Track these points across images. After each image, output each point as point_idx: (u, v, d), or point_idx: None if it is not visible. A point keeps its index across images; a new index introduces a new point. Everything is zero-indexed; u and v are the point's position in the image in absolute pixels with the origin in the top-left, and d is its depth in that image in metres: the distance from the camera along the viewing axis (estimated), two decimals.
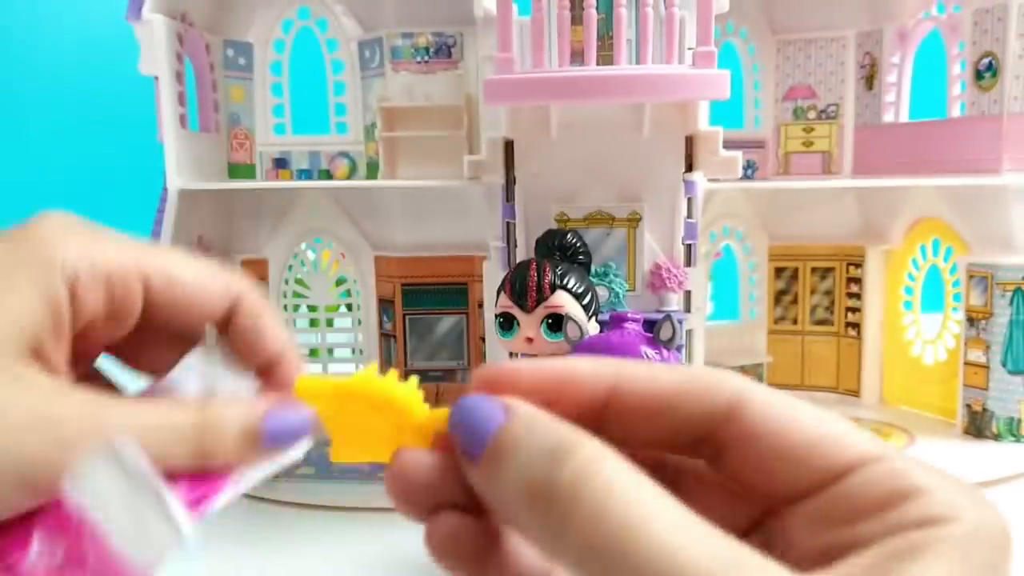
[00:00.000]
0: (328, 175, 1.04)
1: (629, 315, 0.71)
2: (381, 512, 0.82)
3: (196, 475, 0.30)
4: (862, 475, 0.24)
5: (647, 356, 0.66)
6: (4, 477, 0.27)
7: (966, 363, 1.00)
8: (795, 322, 1.21)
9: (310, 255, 1.07)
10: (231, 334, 0.35)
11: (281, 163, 1.04)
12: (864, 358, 1.16)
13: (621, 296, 0.87)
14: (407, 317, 1.05)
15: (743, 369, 1.19)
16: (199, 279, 0.34)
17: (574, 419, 0.25)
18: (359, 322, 1.07)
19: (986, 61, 0.99)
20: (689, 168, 0.86)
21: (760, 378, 1.20)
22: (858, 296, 1.16)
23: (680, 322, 0.77)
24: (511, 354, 0.88)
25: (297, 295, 1.07)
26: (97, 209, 1.49)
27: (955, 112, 1.07)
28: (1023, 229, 0.98)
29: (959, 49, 1.05)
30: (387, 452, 0.28)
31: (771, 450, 0.25)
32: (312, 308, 1.08)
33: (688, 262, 0.87)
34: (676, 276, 0.86)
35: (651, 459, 0.27)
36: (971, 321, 0.99)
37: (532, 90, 0.79)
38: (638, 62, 0.80)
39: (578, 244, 0.79)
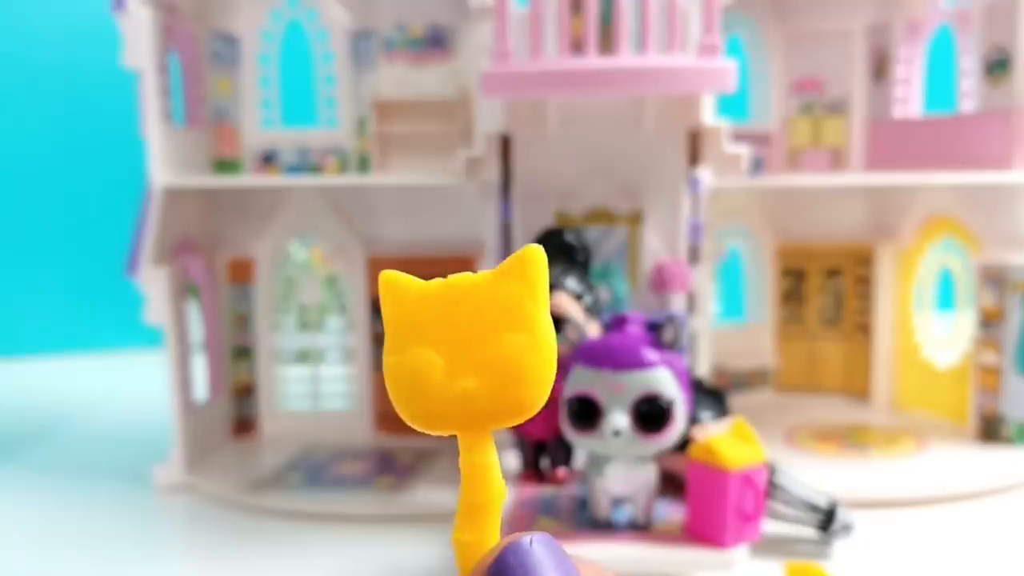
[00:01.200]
0: (318, 171, 1.01)
1: (630, 316, 0.69)
2: (371, 521, 0.80)
3: None
4: None
5: (649, 360, 0.63)
6: None
7: (979, 365, 0.97)
8: (803, 323, 1.19)
9: (300, 254, 1.04)
10: None
11: (269, 158, 1.01)
12: (874, 360, 1.13)
13: (622, 297, 0.85)
14: None
15: (750, 372, 1.16)
16: None
17: None
18: (351, 324, 1.04)
19: (997, 55, 0.96)
20: (693, 163, 0.84)
21: (767, 381, 1.17)
22: (868, 296, 1.14)
23: (684, 324, 0.75)
24: None
25: (286, 295, 1.04)
26: (79, 207, 1.46)
27: (966, 107, 1.05)
28: None
29: (970, 43, 1.03)
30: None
31: None
32: (302, 309, 1.05)
33: (692, 261, 0.85)
34: (679, 276, 0.84)
35: None
36: (984, 322, 0.96)
37: (530, 83, 0.77)
38: (640, 52, 0.77)
39: (578, 243, 0.77)
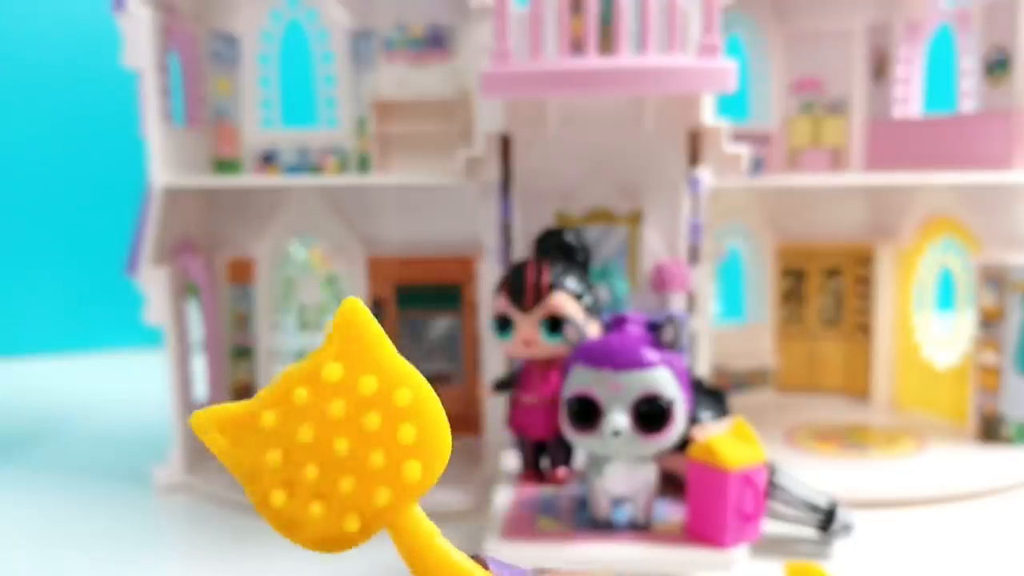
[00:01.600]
0: (318, 171, 1.01)
1: (630, 316, 0.68)
2: None
3: None
4: None
5: (649, 360, 0.63)
6: None
7: (979, 365, 0.97)
8: (803, 323, 1.19)
9: (300, 254, 1.04)
10: None
11: (269, 158, 1.01)
12: (874, 360, 1.13)
13: (622, 297, 0.84)
14: (401, 319, 1.02)
15: (750, 372, 1.16)
16: None
17: None
18: None
19: (997, 55, 0.96)
20: (693, 163, 0.84)
21: (767, 381, 1.17)
22: (868, 296, 1.14)
23: (683, 324, 0.74)
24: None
25: (286, 295, 1.04)
26: (79, 207, 1.46)
27: (966, 107, 1.04)
28: None
29: (970, 43, 1.03)
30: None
31: None
32: (302, 309, 1.05)
33: (692, 261, 0.85)
34: (679, 276, 0.83)
35: None
36: (984, 322, 0.96)
37: (530, 83, 0.76)
38: (640, 52, 0.77)
39: (577, 243, 0.77)
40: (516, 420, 0.76)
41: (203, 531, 0.81)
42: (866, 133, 1.13)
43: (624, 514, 0.68)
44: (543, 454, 0.77)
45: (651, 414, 0.63)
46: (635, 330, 0.67)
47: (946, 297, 1.09)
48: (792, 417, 1.08)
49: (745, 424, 0.68)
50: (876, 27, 1.11)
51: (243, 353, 1.04)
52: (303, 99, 1.02)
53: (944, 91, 1.09)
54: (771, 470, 0.70)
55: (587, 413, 0.64)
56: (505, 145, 0.84)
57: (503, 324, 0.74)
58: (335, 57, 0.99)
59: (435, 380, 1.00)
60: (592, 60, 0.76)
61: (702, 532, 0.66)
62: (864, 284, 1.14)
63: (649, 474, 0.67)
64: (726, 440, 0.66)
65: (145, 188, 0.88)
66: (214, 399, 1.00)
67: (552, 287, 0.72)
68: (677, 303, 0.84)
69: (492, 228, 0.87)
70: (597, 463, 0.67)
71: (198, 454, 0.94)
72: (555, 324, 0.72)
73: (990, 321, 0.96)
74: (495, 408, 0.88)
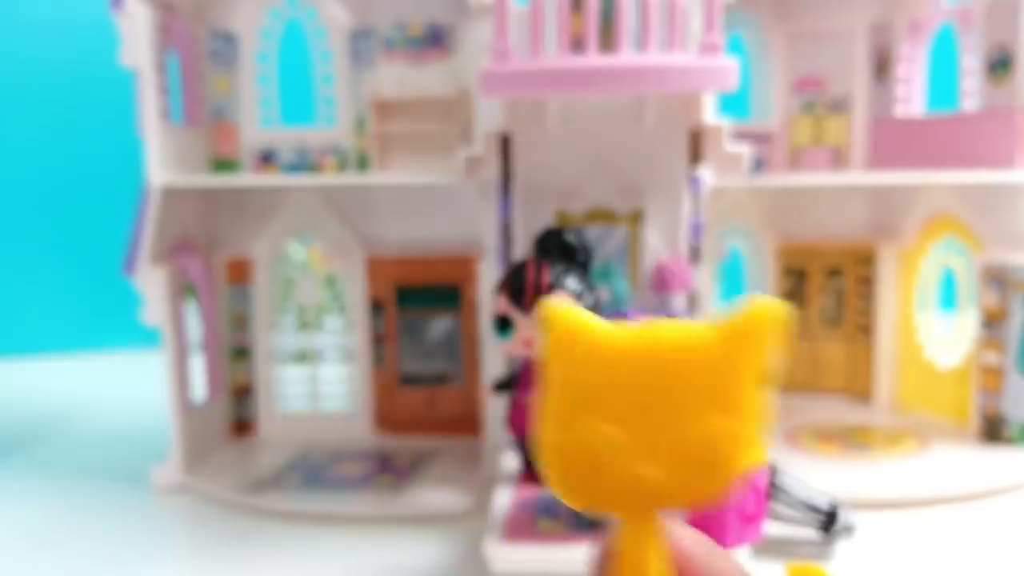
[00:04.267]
0: (317, 170, 1.00)
1: (631, 317, 0.68)
2: (370, 522, 0.79)
3: None
4: None
5: None
6: None
7: (981, 366, 0.97)
8: (805, 324, 1.18)
9: (298, 254, 1.03)
10: None
11: (268, 157, 1.00)
12: (876, 360, 1.12)
13: (623, 297, 0.84)
14: (400, 319, 1.01)
15: None
16: None
17: None
18: (350, 324, 1.03)
19: (999, 54, 0.96)
20: (694, 162, 0.83)
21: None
22: (869, 297, 1.13)
23: None
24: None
25: (285, 295, 1.04)
26: (77, 206, 1.45)
27: (968, 106, 1.04)
28: None
29: (972, 42, 1.02)
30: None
31: None
32: (300, 309, 1.04)
33: (693, 261, 0.84)
34: (680, 276, 0.83)
35: None
36: (986, 322, 0.96)
37: (530, 81, 0.76)
38: (641, 51, 0.77)
39: (578, 243, 0.76)
40: (516, 420, 0.76)
41: (202, 532, 0.80)
42: (868, 132, 1.12)
43: None
44: None
45: None
46: None
47: (948, 297, 1.08)
48: (793, 418, 1.07)
49: None
50: (878, 26, 1.10)
51: (242, 353, 1.04)
52: (302, 98, 1.01)
53: (946, 90, 1.09)
54: (773, 471, 0.70)
55: None
56: (505, 144, 0.84)
57: (503, 324, 0.74)
58: (334, 56, 0.98)
59: (435, 381, 1.00)
60: (592, 58, 0.75)
61: (703, 533, 0.66)
62: (866, 284, 1.14)
63: None
64: None
65: (143, 187, 0.88)
66: (213, 400, 1.00)
67: (552, 287, 0.72)
68: (678, 303, 0.84)
69: (492, 228, 0.86)
70: None
71: (197, 455, 0.94)
72: None
73: (992, 321, 0.95)
74: (495, 409, 0.88)
